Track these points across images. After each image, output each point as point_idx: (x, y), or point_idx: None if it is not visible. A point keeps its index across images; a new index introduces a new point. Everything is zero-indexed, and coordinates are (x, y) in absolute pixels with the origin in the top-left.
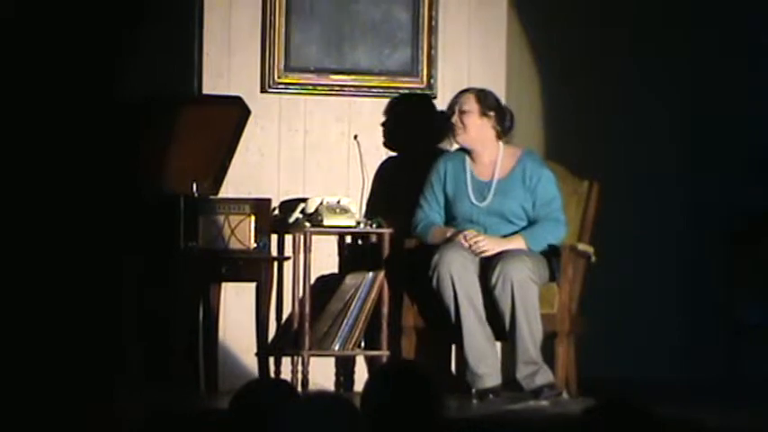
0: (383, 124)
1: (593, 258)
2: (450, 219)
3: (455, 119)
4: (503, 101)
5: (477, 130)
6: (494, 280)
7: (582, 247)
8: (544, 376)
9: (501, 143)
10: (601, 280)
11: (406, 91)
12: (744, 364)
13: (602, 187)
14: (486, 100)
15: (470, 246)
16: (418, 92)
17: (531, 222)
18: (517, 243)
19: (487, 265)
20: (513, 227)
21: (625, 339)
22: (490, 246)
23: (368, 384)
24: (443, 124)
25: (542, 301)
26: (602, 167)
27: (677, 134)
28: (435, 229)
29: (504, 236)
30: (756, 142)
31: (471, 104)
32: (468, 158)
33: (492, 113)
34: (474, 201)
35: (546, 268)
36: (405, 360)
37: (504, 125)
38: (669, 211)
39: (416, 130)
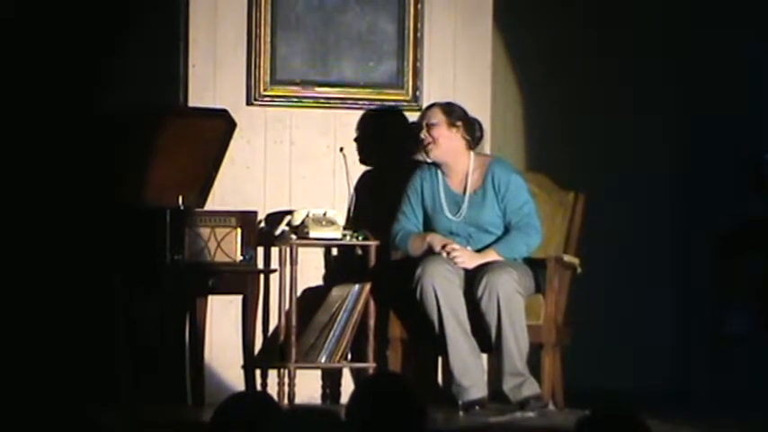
0: (366, 136)
1: (579, 270)
2: (431, 231)
3: (423, 134)
4: (488, 113)
5: (447, 142)
6: (480, 292)
7: (568, 258)
8: (530, 388)
9: (472, 154)
10: (588, 291)
11: (392, 103)
12: (731, 374)
13: (587, 198)
14: (451, 111)
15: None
16: (403, 104)
17: (507, 229)
18: (491, 256)
19: (473, 278)
20: (493, 236)
21: (613, 350)
22: (467, 261)
23: (354, 396)
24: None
25: (528, 312)
26: (590, 178)
27: (667, 143)
28: (413, 237)
29: (486, 246)
30: (747, 152)
31: (438, 117)
32: (440, 172)
33: (459, 123)
34: (449, 215)
35: (532, 280)
36: (391, 372)
37: (475, 135)
38: (658, 221)
39: (400, 143)
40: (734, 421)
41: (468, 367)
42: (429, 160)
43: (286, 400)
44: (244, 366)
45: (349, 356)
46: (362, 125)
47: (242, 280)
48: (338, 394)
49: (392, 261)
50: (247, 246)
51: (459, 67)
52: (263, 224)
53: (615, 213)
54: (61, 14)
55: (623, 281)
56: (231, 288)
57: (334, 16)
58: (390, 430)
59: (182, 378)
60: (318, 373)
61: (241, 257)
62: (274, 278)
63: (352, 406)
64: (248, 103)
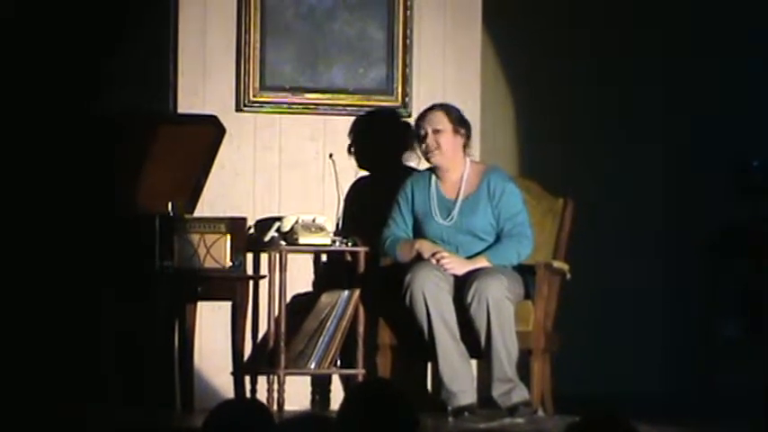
0: (356, 142)
1: (569, 276)
2: (421, 238)
3: (429, 140)
4: (478, 119)
5: (450, 149)
6: (469, 298)
7: (557, 264)
8: (520, 394)
9: (468, 160)
10: (578, 297)
11: (382, 109)
12: (721, 378)
13: (577, 203)
14: (455, 116)
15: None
16: (393, 109)
17: (499, 237)
18: (481, 263)
19: (462, 284)
20: (483, 243)
21: (603, 356)
22: (456, 267)
23: (345, 403)
24: (413, 142)
25: (517, 318)
26: (580, 183)
27: (657, 147)
28: (401, 243)
29: (476, 253)
30: (736, 158)
31: (444, 123)
32: (434, 177)
33: (463, 130)
34: (439, 219)
35: (521, 286)
36: (381, 378)
37: (470, 138)
38: (647, 226)
39: (390, 149)
40: (725, 424)
41: (457, 373)
42: (424, 165)
43: (275, 407)
44: (233, 372)
45: (338, 363)
46: (352, 131)
47: (231, 286)
48: (327, 401)
49: (381, 267)
50: (237, 252)
51: (448, 73)
52: (252, 230)
53: (605, 218)
54: (51, 21)
55: (613, 286)
56: (220, 294)
57: (323, 23)
58: None
59: (171, 384)
60: (308, 379)
61: (230, 263)
62: (264, 284)
63: (344, 413)
64: (237, 109)
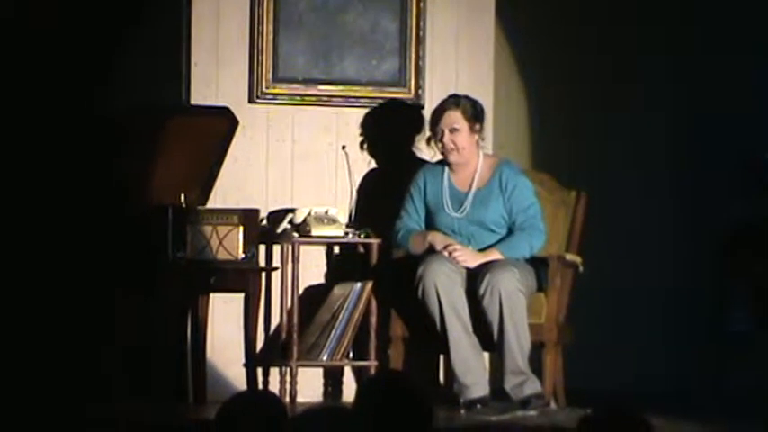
0: (369, 134)
1: (581, 268)
2: (433, 230)
3: (446, 140)
4: (490, 111)
5: (468, 147)
6: (482, 290)
7: (570, 257)
8: (532, 386)
9: (481, 153)
10: (590, 289)
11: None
12: (731, 373)
13: (589, 197)
14: (470, 113)
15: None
16: (408, 102)
17: (511, 230)
18: (494, 256)
19: (475, 276)
20: (495, 235)
21: (614, 349)
22: (469, 259)
23: (360, 395)
24: (428, 136)
25: (530, 311)
26: (592, 176)
27: (669, 144)
28: (414, 235)
29: (488, 246)
30: (749, 151)
31: (461, 122)
32: (447, 169)
33: (478, 126)
34: (451, 211)
35: (534, 278)
36: (395, 371)
37: (483, 130)
38: (660, 220)
39: (402, 140)
40: (734, 421)
41: (469, 365)
42: (437, 157)
43: (288, 398)
44: (245, 364)
45: (351, 355)
46: (365, 123)
47: (244, 278)
48: (340, 392)
49: (394, 259)
50: (249, 243)
51: (461, 65)
52: (265, 222)
53: (617, 212)
54: (63, 13)
55: (625, 279)
56: (233, 286)
57: (336, 14)
58: (399, 427)
59: (183, 376)
60: (320, 371)
61: (243, 255)
62: (276, 276)
63: (360, 404)
64: (250, 100)
